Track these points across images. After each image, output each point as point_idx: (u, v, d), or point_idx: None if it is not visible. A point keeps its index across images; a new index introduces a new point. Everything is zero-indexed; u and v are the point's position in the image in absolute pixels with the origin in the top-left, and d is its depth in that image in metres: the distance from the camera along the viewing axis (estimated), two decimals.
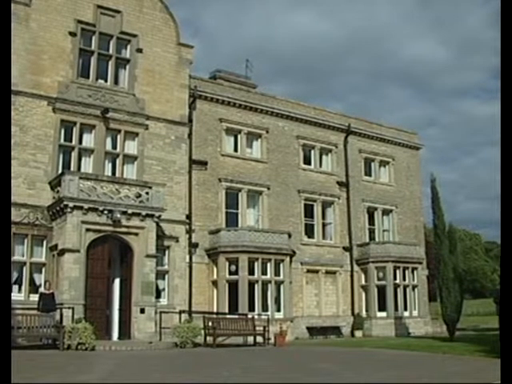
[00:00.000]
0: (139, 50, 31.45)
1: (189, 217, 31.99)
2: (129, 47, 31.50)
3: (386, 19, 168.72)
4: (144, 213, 27.32)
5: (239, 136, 35.74)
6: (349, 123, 40.41)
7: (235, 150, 35.60)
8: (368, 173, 41.65)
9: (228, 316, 29.73)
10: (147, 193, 27.79)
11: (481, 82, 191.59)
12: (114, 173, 29.87)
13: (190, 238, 31.89)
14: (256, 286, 32.12)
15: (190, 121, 33.05)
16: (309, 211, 38.04)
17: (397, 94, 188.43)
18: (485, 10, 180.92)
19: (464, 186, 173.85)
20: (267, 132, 36.74)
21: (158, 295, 29.34)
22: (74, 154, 29.04)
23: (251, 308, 31.29)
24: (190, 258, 31.73)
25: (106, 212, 26.37)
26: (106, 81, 30.61)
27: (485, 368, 15.30)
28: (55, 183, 26.93)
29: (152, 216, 27.67)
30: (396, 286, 38.00)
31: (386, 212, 42.03)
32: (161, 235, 29.43)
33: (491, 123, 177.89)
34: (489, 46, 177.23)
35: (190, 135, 32.86)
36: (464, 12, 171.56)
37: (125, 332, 26.76)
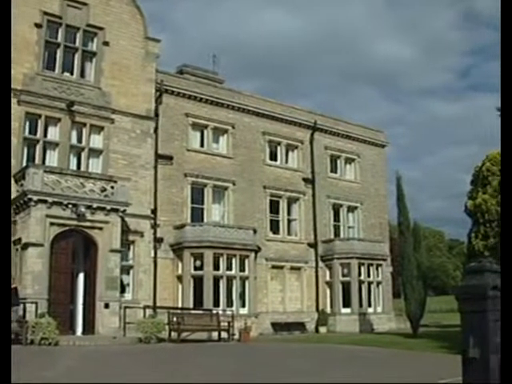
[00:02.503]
0: (106, 43, 31.15)
1: (154, 212, 31.81)
2: (95, 40, 31.18)
3: (356, 19, 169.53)
4: (109, 207, 27.09)
5: (205, 131, 35.60)
6: (315, 120, 40.46)
7: (201, 145, 35.46)
8: (334, 170, 41.77)
9: (193, 311, 29.63)
10: (112, 187, 27.57)
11: (447, 83, 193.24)
12: (78, 167, 29.58)
13: (154, 232, 31.71)
14: (221, 281, 32.03)
15: (156, 115, 32.83)
16: (274, 207, 38.04)
17: (364, 92, 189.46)
18: (451, 12, 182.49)
19: (428, 184, 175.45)
20: (233, 128, 36.65)
21: (123, 290, 29.12)
22: (39, 147, 28.69)
23: (216, 303, 31.19)
24: (155, 253, 31.55)
25: (70, 206, 26.10)
26: (71, 74, 30.28)
27: (446, 364, 15.42)
28: (19, 176, 26.57)
29: (117, 210, 27.46)
30: (360, 283, 38.17)
31: (351, 209, 42.21)
32: (125, 230, 29.22)
33: (455, 123, 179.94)
34: (455, 47, 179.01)
35: (155, 130, 32.64)
36: (431, 13, 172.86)
37: (89, 327, 26.53)
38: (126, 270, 29.81)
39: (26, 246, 25.03)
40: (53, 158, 28.99)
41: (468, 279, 4.92)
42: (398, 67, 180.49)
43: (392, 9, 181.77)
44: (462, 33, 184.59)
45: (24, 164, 27.44)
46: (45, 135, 28.96)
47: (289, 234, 38.65)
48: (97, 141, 30.48)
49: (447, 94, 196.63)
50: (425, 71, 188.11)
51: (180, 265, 32.14)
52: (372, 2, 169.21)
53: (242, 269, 33.06)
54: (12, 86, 27.55)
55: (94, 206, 26.71)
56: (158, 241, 31.77)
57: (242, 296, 32.98)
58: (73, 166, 29.41)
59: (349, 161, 42.76)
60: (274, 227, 37.97)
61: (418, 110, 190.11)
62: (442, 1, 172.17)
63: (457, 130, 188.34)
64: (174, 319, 26.77)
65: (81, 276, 27.49)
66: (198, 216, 34.42)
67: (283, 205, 38.41)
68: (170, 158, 33.25)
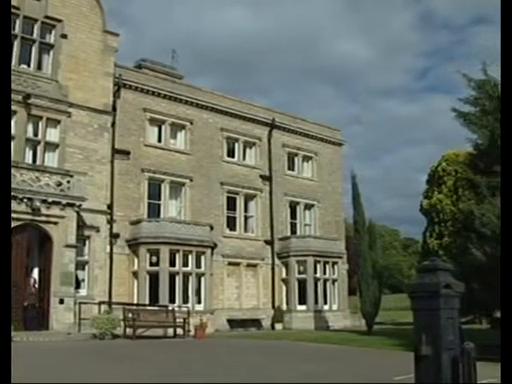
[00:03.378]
0: (64, 36, 30.81)
1: (110, 207, 31.59)
2: (53, 32, 30.82)
3: (316, 18, 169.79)
4: (64, 202, 26.86)
5: (163, 126, 35.45)
6: (273, 117, 40.57)
7: (159, 140, 35.30)
8: (291, 167, 41.92)
9: (148, 308, 29.54)
10: (68, 181, 27.33)
11: (404, 83, 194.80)
12: (34, 160, 29.23)
13: (110, 228, 31.51)
14: (177, 277, 31.94)
15: (114, 109, 32.59)
16: (231, 204, 38.06)
17: (322, 91, 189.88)
18: (409, 13, 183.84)
19: (384, 183, 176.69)
20: (191, 123, 36.56)
21: (78, 286, 28.88)
22: None
23: (172, 300, 31.10)
24: (111, 249, 31.35)
25: (25, 200, 25.81)
26: (28, 66, 29.91)
27: (401, 361, 15.57)
28: None
29: (72, 205, 27.24)
30: (316, 280, 38.37)
31: (307, 206, 42.41)
32: (81, 225, 29.00)
33: (412, 123, 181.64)
34: (412, 49, 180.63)
35: (113, 124, 32.40)
36: (389, 14, 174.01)
37: (43, 323, 26.27)
38: (81, 265, 29.56)
39: None
40: None
41: (421, 277, 4.99)
42: (355, 67, 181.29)
43: (352, 9, 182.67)
44: (419, 34, 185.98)
45: None
46: None
47: (245, 230, 38.70)
48: (53, 134, 30.15)
49: (404, 94, 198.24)
50: (382, 72, 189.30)
51: (136, 260, 31.97)
52: (332, 2, 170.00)
53: (198, 265, 33.01)
54: None
55: (50, 200, 26.46)
56: (113, 236, 31.57)
57: (197, 292, 32.93)
58: (28, 159, 29.04)
59: (306, 159, 42.95)
60: (231, 224, 37.99)
61: (375, 110, 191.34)
62: (400, 2, 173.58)
63: (413, 131, 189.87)
64: (130, 315, 26.65)
65: (35, 271, 27.21)
66: (154, 212, 34.30)
67: (240, 201, 38.45)
68: (127, 153, 33.04)
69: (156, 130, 35.35)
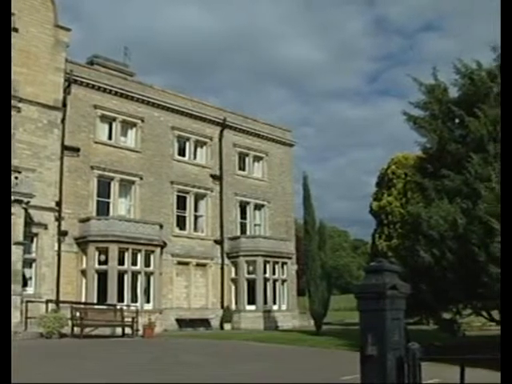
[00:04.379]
0: (15, 30, 30.34)
1: (58, 204, 31.24)
2: None
3: (269, 18, 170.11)
4: (12, 198, 26.46)
5: (114, 124, 35.18)
6: (225, 117, 40.56)
7: (109, 137, 35.03)
8: (242, 167, 41.96)
9: (96, 306, 29.31)
10: (16, 178, 26.95)
11: (355, 87, 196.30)
12: None
13: (59, 225, 31.15)
14: (125, 276, 31.73)
15: (64, 105, 32.24)
16: (181, 203, 37.95)
17: (273, 92, 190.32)
18: (362, 18, 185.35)
19: (335, 185, 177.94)
20: (142, 121, 36.35)
21: (25, 284, 28.51)
22: None
23: (120, 299, 30.88)
24: (59, 247, 31.00)
25: None
26: None
27: (348, 361, 15.71)
28: None
29: (20, 202, 26.86)
30: (265, 280, 38.45)
31: (258, 207, 42.50)
32: (29, 222, 28.61)
33: (362, 126, 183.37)
34: (364, 53, 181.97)
35: (63, 120, 32.05)
36: (343, 18, 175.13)
37: None
38: (28, 263, 29.17)
39: None
40: None
41: (367, 278, 5.05)
42: (308, 69, 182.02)
43: (306, 11, 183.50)
44: (371, 39, 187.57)
45: None
46: None
47: (195, 230, 38.61)
48: None
49: (355, 97, 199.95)
50: (334, 74, 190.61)
51: (84, 259, 31.66)
52: (287, 4, 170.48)
53: (148, 264, 32.85)
54: None
55: None
56: (62, 234, 31.22)
57: (146, 291, 32.76)
58: None
59: (257, 159, 43.03)
60: (181, 223, 37.88)
61: (326, 112, 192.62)
62: (354, 7, 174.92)
63: (364, 133, 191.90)
64: (77, 314, 26.44)
65: None
66: (103, 210, 34.02)
67: (190, 201, 38.35)
68: (77, 150, 32.71)
69: (106, 127, 35.07)
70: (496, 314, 20.98)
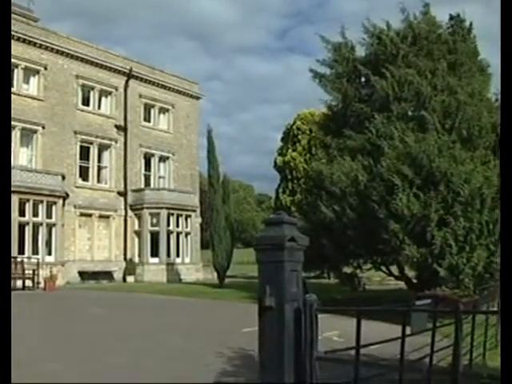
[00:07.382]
0: None
1: None
2: None
3: None
4: None
5: (16, 70, 34.00)
6: (131, 67, 39.84)
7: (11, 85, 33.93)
8: (147, 118, 41.45)
9: None
10: None
11: (264, 43, 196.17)
12: None
13: None
14: (26, 227, 31.06)
15: None
16: (85, 154, 37.28)
17: (183, 46, 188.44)
18: None
19: (241, 140, 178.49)
20: (46, 69, 35.31)
21: None
22: None
23: (21, 251, 30.23)
24: None
25: None
26: None
27: (249, 313, 15.94)
28: None
29: None
30: (169, 233, 38.43)
31: (162, 159, 42.20)
32: None
33: (270, 82, 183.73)
34: (273, 9, 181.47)
35: None
36: None
37: None
38: None
39: None
40: None
41: (266, 230, 5.07)
42: (217, 24, 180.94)
43: None
44: None
45: None
46: None
47: (99, 181, 38.09)
48: None
49: (263, 52, 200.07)
50: (243, 30, 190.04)
51: None
52: None
53: (49, 215, 32.23)
54: None
55: None
56: None
57: (48, 243, 32.21)
58: None
59: (163, 110, 42.57)
60: (84, 174, 37.28)
61: (234, 67, 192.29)
62: None
63: (271, 89, 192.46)
64: None
65: None
66: None
67: (94, 151, 37.71)
68: None
69: None
70: (395, 269, 21.63)
